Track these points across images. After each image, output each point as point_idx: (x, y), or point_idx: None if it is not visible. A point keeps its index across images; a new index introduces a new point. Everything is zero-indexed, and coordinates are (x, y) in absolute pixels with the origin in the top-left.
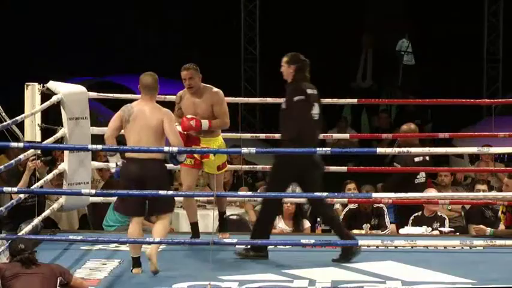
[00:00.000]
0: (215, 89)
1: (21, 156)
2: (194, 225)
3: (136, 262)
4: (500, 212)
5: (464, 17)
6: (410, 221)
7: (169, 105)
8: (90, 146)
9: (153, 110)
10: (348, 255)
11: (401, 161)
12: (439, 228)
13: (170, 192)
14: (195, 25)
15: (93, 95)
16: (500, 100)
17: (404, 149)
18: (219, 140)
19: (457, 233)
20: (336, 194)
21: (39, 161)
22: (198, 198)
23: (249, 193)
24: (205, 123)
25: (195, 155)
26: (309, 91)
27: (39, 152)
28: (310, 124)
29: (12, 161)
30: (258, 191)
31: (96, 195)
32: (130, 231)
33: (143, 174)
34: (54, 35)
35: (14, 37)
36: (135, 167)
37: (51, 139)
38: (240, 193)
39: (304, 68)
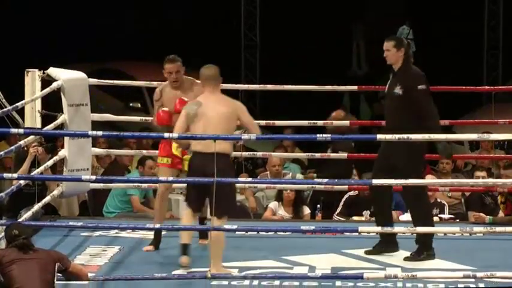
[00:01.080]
0: (198, 81)
1: (21, 143)
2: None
3: (186, 249)
4: (499, 202)
5: (465, 4)
6: None
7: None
8: (90, 133)
9: (219, 102)
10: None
11: (345, 148)
12: (439, 215)
13: (171, 179)
14: (196, 13)
15: (94, 81)
16: (500, 87)
17: (405, 136)
18: None
19: (457, 220)
20: (335, 180)
21: (40, 147)
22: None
23: (249, 179)
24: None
25: (175, 153)
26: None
27: (41, 139)
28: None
29: (12, 147)
30: (258, 177)
31: (96, 181)
32: (183, 218)
33: (206, 169)
34: (54, 35)
35: (13, 36)
36: (199, 160)
37: (52, 125)
38: (240, 179)
39: (410, 51)
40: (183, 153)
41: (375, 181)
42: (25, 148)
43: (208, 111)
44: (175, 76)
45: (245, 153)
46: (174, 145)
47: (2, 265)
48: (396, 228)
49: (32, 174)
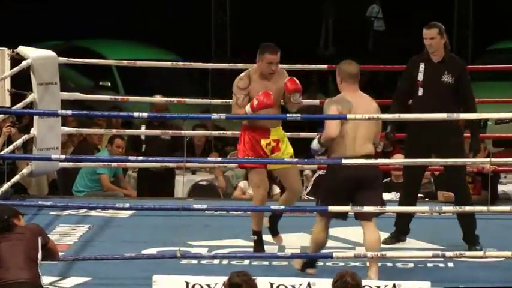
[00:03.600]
0: (284, 71)
1: None
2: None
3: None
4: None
5: None
6: None
7: (140, 69)
8: (60, 112)
9: (366, 101)
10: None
11: None
12: None
13: (141, 158)
14: None
15: (63, 60)
16: (469, 66)
17: (374, 116)
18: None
19: (427, 199)
20: (305, 160)
21: (14, 128)
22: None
23: (219, 159)
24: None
25: (266, 151)
26: None
27: (13, 118)
28: None
29: None
30: (228, 156)
31: (65, 160)
32: (315, 233)
33: (361, 174)
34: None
35: None
36: (348, 166)
37: (21, 104)
38: (210, 159)
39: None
40: (273, 151)
41: (345, 161)
42: None
43: (359, 110)
44: (275, 67)
45: (214, 133)
46: (264, 143)
47: None
48: (365, 208)
49: (1, 153)
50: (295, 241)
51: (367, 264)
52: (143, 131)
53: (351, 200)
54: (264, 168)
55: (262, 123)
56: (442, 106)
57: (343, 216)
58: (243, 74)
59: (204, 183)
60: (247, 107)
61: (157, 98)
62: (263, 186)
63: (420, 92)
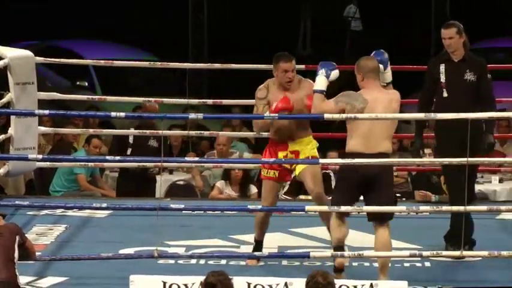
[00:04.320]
0: (307, 79)
1: None
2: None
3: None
4: (443, 183)
5: None
6: None
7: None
8: (37, 111)
9: (389, 97)
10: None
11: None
12: None
13: (118, 158)
14: None
15: (40, 59)
16: None
17: (352, 115)
18: (311, 139)
19: (403, 199)
20: (282, 159)
21: None
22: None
23: (196, 159)
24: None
25: (285, 165)
26: None
27: None
28: None
29: None
30: (205, 156)
31: (42, 160)
32: (333, 228)
33: (371, 172)
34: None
35: None
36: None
37: None
38: (187, 159)
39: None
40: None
41: (322, 160)
42: None
43: (378, 108)
44: (292, 75)
45: (192, 132)
46: (281, 155)
47: None
48: (343, 208)
49: None
50: (273, 241)
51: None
52: (122, 131)
53: (363, 195)
54: (275, 181)
55: (280, 136)
56: (468, 105)
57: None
58: (262, 84)
59: (181, 183)
60: (267, 113)
61: (135, 98)
62: (268, 200)
63: (445, 93)
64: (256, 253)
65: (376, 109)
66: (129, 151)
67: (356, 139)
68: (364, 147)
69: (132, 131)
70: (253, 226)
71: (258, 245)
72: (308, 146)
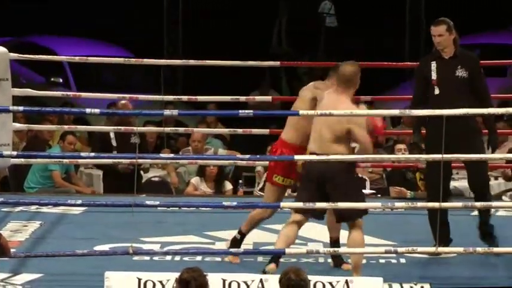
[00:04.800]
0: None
1: None
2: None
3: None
4: (418, 179)
5: None
6: None
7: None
8: (11, 108)
9: (338, 105)
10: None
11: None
12: None
13: (93, 154)
14: None
15: (15, 56)
16: None
17: (327, 112)
18: None
19: (379, 195)
20: (257, 156)
21: None
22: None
23: (171, 155)
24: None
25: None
26: None
27: None
28: None
29: None
30: (180, 153)
31: (17, 156)
32: (285, 232)
33: (324, 172)
34: None
35: None
36: (316, 163)
37: None
38: (162, 155)
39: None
40: None
41: (297, 157)
42: None
43: (322, 108)
44: None
45: (167, 129)
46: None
47: None
48: (318, 204)
49: None
50: (249, 237)
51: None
52: (97, 127)
53: (324, 196)
54: (283, 188)
55: (303, 142)
56: (459, 101)
57: (319, 215)
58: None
59: (157, 179)
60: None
61: (110, 95)
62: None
63: (436, 91)
64: (232, 250)
65: (321, 108)
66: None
67: (311, 139)
68: (317, 146)
69: (107, 127)
70: (247, 219)
71: (243, 238)
72: None
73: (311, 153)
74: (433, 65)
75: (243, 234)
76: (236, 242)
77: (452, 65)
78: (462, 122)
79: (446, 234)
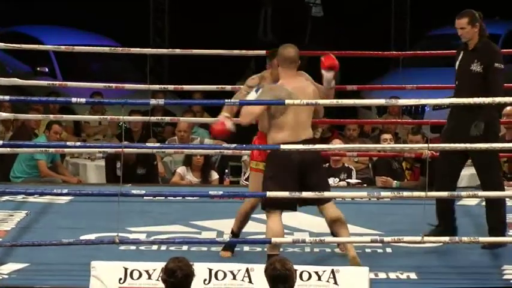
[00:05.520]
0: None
1: None
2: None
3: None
4: (404, 168)
5: None
6: None
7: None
8: None
9: (307, 87)
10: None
11: None
12: (346, 180)
13: (78, 144)
14: None
15: (1, 45)
16: (407, 52)
17: (313, 101)
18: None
19: (365, 185)
20: (244, 145)
21: None
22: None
23: (157, 145)
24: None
25: None
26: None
27: None
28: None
29: None
30: (166, 142)
31: (3, 146)
32: (271, 226)
33: (304, 158)
34: None
35: None
36: (288, 151)
37: None
38: (148, 145)
39: (483, 24)
40: None
41: (283, 146)
42: None
43: (300, 96)
44: None
45: (153, 118)
46: None
47: None
48: (304, 194)
49: None
50: None
51: (306, 249)
52: (81, 116)
53: (305, 184)
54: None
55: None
56: (467, 96)
57: (292, 207)
58: (256, 74)
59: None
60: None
61: (96, 84)
62: None
63: (456, 82)
64: (218, 239)
65: (299, 97)
66: None
67: (285, 131)
68: (292, 137)
69: (92, 116)
70: (235, 219)
71: (235, 237)
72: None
73: (284, 143)
74: (460, 55)
75: (235, 235)
76: (230, 244)
77: (471, 58)
78: (469, 114)
79: (453, 222)
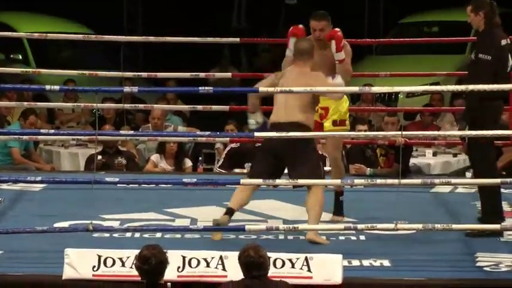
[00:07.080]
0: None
1: None
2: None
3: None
4: (378, 155)
5: None
6: None
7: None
8: None
9: (305, 79)
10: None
11: None
12: None
13: (52, 131)
14: None
15: None
16: (380, 40)
17: (301, 89)
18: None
19: None
20: (217, 133)
21: None
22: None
23: (131, 132)
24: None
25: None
26: (503, 42)
27: None
28: (503, 80)
29: None
30: (140, 129)
31: None
32: (236, 193)
33: (280, 142)
34: None
35: None
36: (275, 132)
37: None
38: (122, 132)
39: (494, 12)
40: (321, 118)
41: (257, 134)
42: None
43: (288, 82)
44: (319, 33)
45: (127, 105)
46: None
47: None
48: (278, 181)
49: None
50: (208, 214)
51: (279, 237)
52: (55, 104)
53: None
54: None
55: None
56: (467, 83)
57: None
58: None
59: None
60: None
61: (70, 72)
62: None
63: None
64: (191, 226)
65: (287, 82)
66: None
67: (275, 111)
68: (280, 117)
69: (65, 104)
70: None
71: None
72: (339, 107)
73: (273, 124)
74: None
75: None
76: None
77: (474, 46)
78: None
79: (500, 209)
